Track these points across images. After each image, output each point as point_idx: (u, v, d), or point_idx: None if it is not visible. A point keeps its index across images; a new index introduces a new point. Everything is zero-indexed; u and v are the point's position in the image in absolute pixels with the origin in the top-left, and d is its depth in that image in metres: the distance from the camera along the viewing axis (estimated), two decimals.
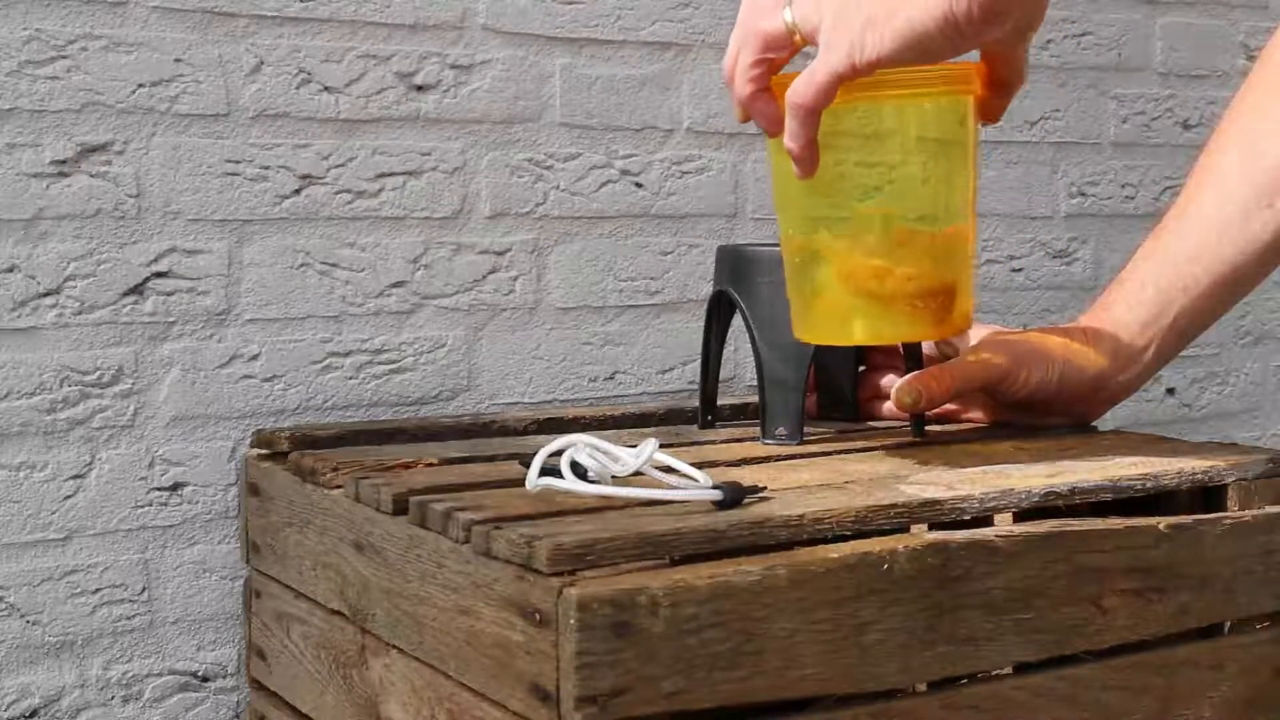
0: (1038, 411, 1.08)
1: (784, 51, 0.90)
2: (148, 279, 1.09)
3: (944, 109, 0.94)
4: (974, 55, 0.94)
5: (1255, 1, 1.60)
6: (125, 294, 1.09)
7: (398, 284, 1.18)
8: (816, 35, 0.87)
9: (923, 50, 0.85)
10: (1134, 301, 1.07)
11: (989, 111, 0.96)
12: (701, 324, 1.11)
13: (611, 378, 1.27)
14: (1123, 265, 1.11)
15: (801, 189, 0.94)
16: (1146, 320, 1.07)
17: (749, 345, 1.07)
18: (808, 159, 0.89)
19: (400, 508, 0.88)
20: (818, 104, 0.87)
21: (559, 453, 0.85)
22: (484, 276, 1.21)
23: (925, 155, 0.96)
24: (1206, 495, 0.94)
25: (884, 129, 0.95)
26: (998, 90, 0.94)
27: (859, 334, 0.98)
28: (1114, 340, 1.07)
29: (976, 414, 1.11)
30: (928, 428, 1.08)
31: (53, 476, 1.07)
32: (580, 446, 0.85)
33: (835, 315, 0.96)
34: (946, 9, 0.84)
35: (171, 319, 1.10)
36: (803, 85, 0.87)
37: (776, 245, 1.05)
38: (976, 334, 1.10)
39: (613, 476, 0.84)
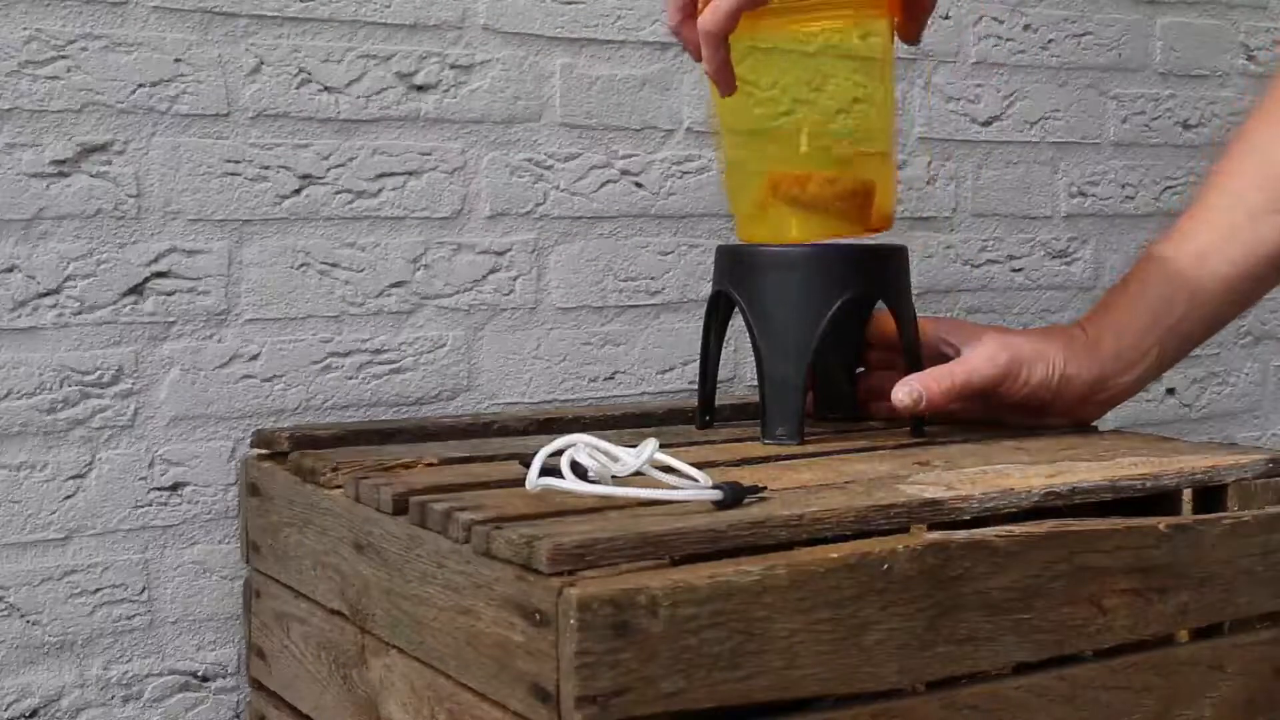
0: (1037, 412, 1.08)
1: None
2: (148, 279, 1.09)
3: (858, 31, 1.05)
4: None
5: (1255, 1, 1.60)
6: (125, 294, 1.09)
7: (398, 284, 1.18)
8: None
9: None
10: (1138, 304, 1.07)
11: (906, 33, 1.05)
12: (701, 324, 1.11)
13: (611, 378, 1.27)
14: (1129, 266, 1.11)
15: (729, 105, 1.04)
16: (1149, 323, 1.07)
17: (749, 345, 1.07)
18: (722, 80, 0.99)
19: (400, 508, 0.88)
20: (722, 30, 0.96)
21: (559, 453, 0.85)
22: (484, 276, 1.21)
23: (841, 73, 1.07)
24: (1206, 495, 0.94)
25: (800, 50, 1.06)
26: (913, 13, 1.04)
27: (795, 233, 1.07)
28: (1115, 342, 1.07)
29: (975, 414, 1.11)
30: (928, 428, 1.08)
31: (53, 476, 1.07)
32: (580, 446, 0.85)
33: (771, 218, 1.08)
34: None
35: (171, 319, 1.10)
36: (709, 13, 0.96)
37: (776, 245, 1.05)
38: (977, 334, 1.10)
39: (613, 476, 0.84)
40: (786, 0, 1.01)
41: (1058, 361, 1.05)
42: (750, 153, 1.09)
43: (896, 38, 1.06)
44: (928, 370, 1.05)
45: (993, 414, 1.10)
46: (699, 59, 0.99)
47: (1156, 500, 0.92)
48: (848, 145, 1.07)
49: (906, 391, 1.03)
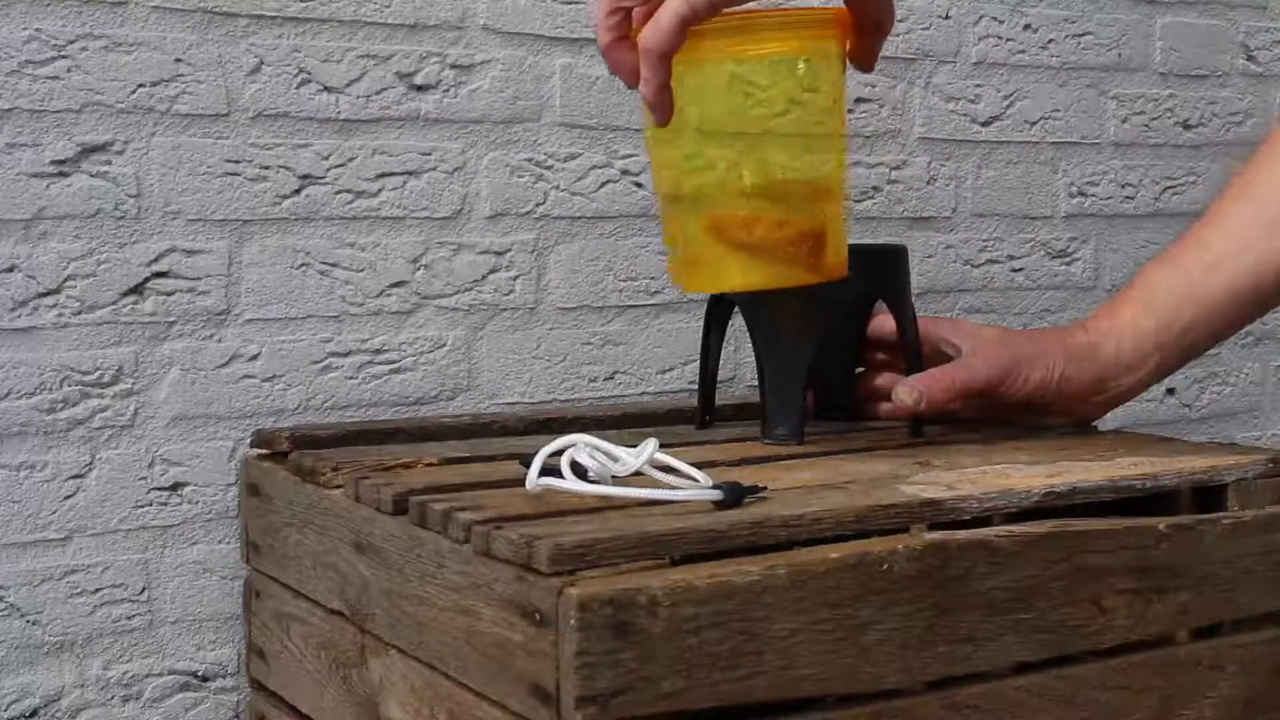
0: (1037, 412, 1.08)
1: (637, 1, 0.89)
2: (148, 279, 1.09)
3: (809, 56, 0.94)
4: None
5: (1255, 1, 1.60)
6: (125, 294, 1.09)
7: (398, 284, 1.18)
8: None
9: None
10: (1144, 307, 1.07)
11: (861, 58, 0.95)
12: (701, 324, 1.11)
13: (611, 378, 1.27)
14: (1129, 266, 1.10)
15: (666, 137, 0.94)
16: (1153, 329, 1.06)
17: (749, 345, 1.07)
18: (660, 105, 0.90)
19: (400, 508, 0.87)
20: (665, 47, 0.87)
21: (559, 453, 0.85)
22: (484, 276, 1.21)
23: (789, 103, 0.95)
24: (1206, 495, 0.94)
25: (745, 75, 0.95)
26: (866, 34, 0.95)
27: (736, 280, 0.98)
28: (1118, 343, 1.06)
29: (975, 413, 1.11)
30: (927, 427, 1.08)
31: (53, 476, 1.07)
32: (580, 446, 0.85)
33: (710, 264, 0.97)
34: None
35: (171, 319, 1.10)
36: (649, 30, 0.87)
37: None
38: (977, 335, 1.10)
39: (613, 476, 0.84)
40: (729, 20, 0.91)
41: (1057, 362, 1.05)
42: (687, 186, 0.97)
43: (849, 64, 0.97)
44: (928, 371, 1.05)
45: (993, 413, 1.10)
46: (633, 84, 0.91)
47: (1156, 500, 0.92)
48: (794, 173, 0.96)
49: (907, 392, 1.03)
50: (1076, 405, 1.08)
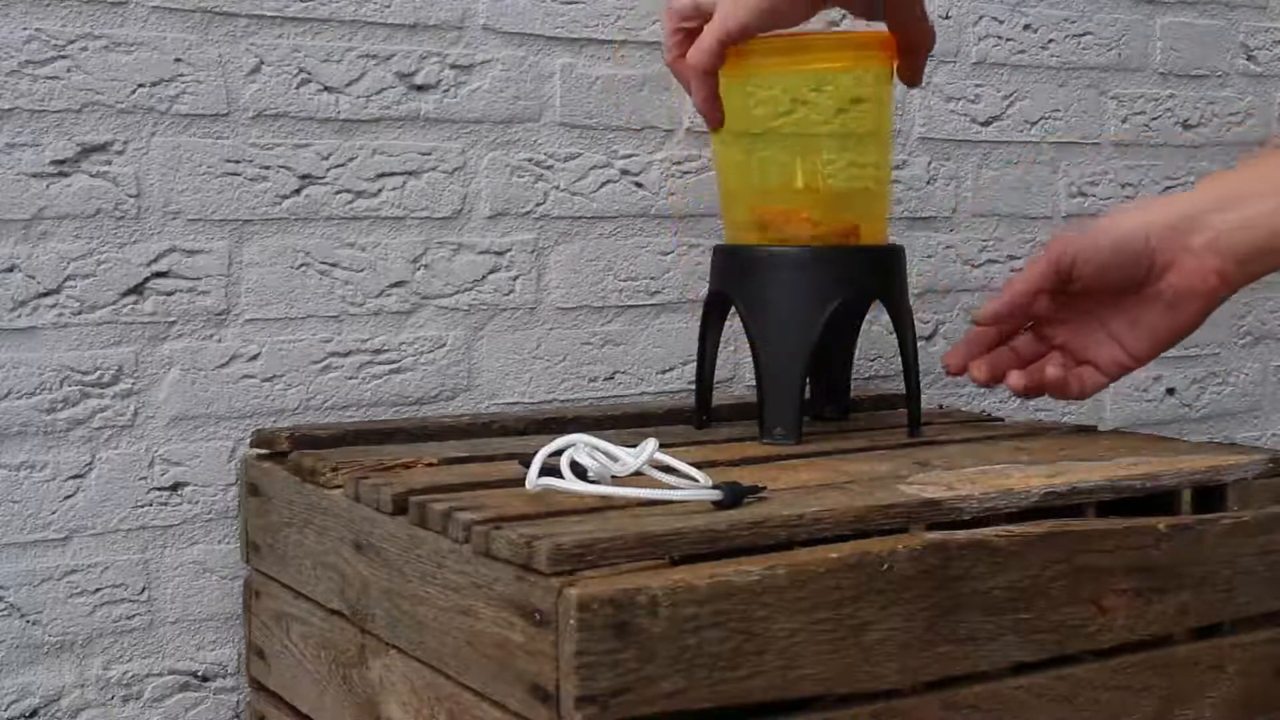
0: (1119, 290, 0.92)
1: (695, 21, 1.01)
2: (148, 279, 1.09)
3: (850, 72, 1.06)
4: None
5: (1255, 1, 1.60)
6: (125, 294, 1.09)
7: (398, 284, 1.18)
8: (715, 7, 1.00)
9: (776, 13, 0.98)
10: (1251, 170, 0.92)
11: (908, 75, 1.05)
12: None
13: (611, 378, 1.27)
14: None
15: (727, 139, 1.06)
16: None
17: (748, 345, 1.07)
18: (709, 113, 1.03)
19: (400, 508, 0.88)
20: (706, 65, 1.00)
21: (559, 453, 0.85)
22: (484, 276, 1.21)
23: (838, 112, 1.06)
24: (1206, 495, 0.94)
25: (790, 86, 1.06)
26: (909, 54, 1.04)
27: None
28: (1215, 180, 0.92)
29: (1061, 329, 0.97)
30: (926, 427, 1.08)
31: (53, 476, 1.07)
32: (580, 446, 0.85)
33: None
34: None
35: (171, 319, 1.10)
36: (694, 49, 1.00)
37: (774, 245, 1.05)
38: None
39: (613, 476, 0.84)
40: (779, 40, 1.01)
41: (1111, 217, 0.93)
42: (741, 182, 1.09)
43: (896, 79, 1.06)
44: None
45: (1079, 315, 0.96)
46: (691, 94, 1.03)
47: (1156, 500, 0.92)
48: (838, 177, 1.08)
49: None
50: (1164, 270, 0.91)
